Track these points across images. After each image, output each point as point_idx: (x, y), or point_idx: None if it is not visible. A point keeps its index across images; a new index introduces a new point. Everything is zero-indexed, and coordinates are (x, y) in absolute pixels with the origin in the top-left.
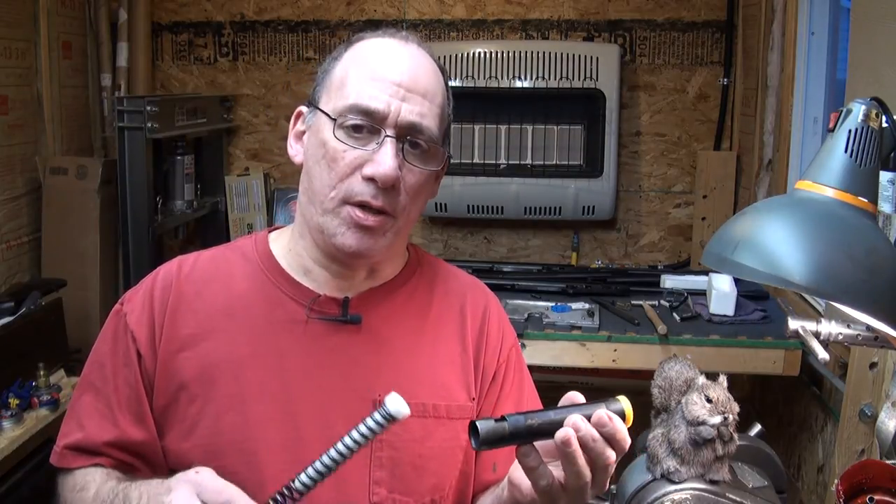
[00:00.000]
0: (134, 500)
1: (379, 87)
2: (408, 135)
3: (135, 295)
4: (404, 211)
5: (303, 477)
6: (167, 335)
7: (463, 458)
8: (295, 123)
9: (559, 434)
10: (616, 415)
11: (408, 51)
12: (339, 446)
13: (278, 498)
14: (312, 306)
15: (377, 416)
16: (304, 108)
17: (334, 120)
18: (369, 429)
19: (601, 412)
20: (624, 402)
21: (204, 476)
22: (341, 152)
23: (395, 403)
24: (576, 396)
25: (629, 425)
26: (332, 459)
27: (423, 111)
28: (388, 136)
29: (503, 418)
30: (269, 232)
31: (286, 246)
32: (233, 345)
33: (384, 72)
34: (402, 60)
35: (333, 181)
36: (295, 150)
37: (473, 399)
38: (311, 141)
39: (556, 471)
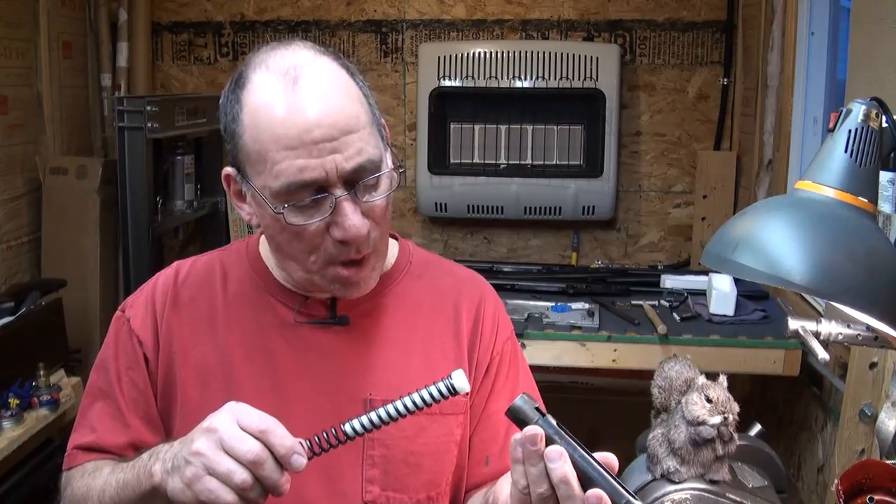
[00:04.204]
0: (164, 449)
1: (303, 153)
2: (356, 180)
3: (136, 301)
4: (381, 237)
5: (355, 423)
6: (166, 340)
7: (458, 454)
8: (229, 186)
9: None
10: (449, 388)
11: (307, 91)
12: (397, 405)
13: (323, 435)
14: (300, 309)
15: (441, 385)
16: (231, 172)
17: (280, 213)
18: (430, 395)
19: None
20: (456, 375)
21: (242, 406)
22: (301, 227)
23: (460, 379)
24: (612, 461)
25: None
26: (387, 414)
27: (358, 148)
28: (338, 196)
29: (544, 415)
30: (261, 235)
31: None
32: (225, 349)
33: (299, 132)
34: (307, 111)
35: (306, 249)
36: (246, 214)
37: (467, 394)
38: (260, 212)
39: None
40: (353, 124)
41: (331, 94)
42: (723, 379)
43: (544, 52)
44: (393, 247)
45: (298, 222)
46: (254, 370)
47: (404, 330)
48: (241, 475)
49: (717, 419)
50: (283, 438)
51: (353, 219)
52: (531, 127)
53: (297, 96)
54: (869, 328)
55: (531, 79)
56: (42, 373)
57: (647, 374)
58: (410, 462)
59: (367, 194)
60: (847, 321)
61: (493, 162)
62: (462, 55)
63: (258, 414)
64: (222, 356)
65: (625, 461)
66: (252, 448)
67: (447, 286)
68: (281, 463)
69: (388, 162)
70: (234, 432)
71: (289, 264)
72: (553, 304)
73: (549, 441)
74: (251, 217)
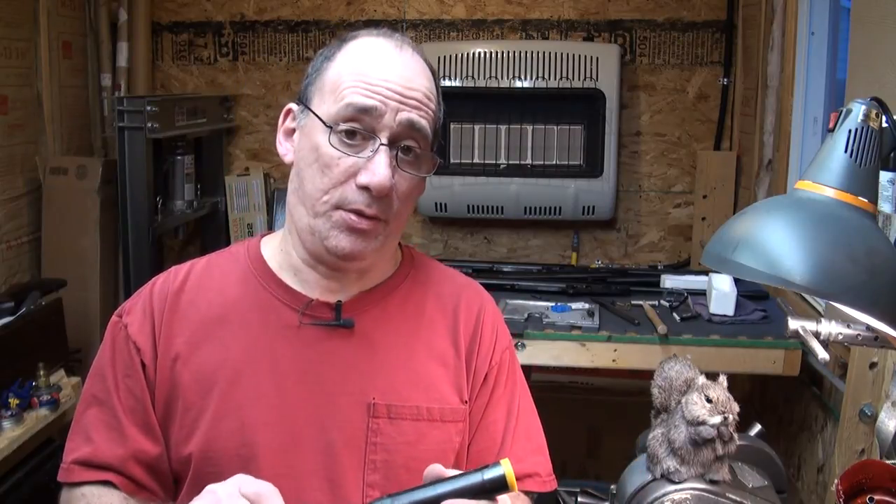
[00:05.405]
0: None
1: (373, 90)
2: (402, 140)
3: (133, 306)
4: (396, 216)
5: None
6: (165, 344)
7: (455, 461)
8: (284, 121)
9: None
10: (495, 483)
11: (402, 56)
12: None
13: None
14: (305, 311)
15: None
16: (293, 106)
17: (329, 128)
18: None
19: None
20: (505, 467)
21: (247, 476)
22: (335, 159)
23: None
24: (440, 471)
25: (513, 491)
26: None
27: (419, 114)
28: (382, 144)
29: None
30: (262, 237)
31: (277, 247)
32: (228, 351)
33: (379, 76)
34: (397, 65)
35: (326, 186)
36: (285, 149)
37: (466, 402)
38: (303, 143)
39: None
40: (424, 100)
41: (421, 72)
42: (723, 379)
43: (544, 52)
44: (396, 252)
45: (339, 147)
46: (256, 372)
47: (407, 334)
48: None
49: (717, 419)
50: None
51: (384, 170)
52: (531, 127)
53: (395, 54)
54: (869, 328)
55: (531, 79)
56: (42, 373)
57: (647, 374)
58: (411, 467)
59: (404, 164)
60: (847, 321)
61: (493, 162)
62: (462, 55)
63: (260, 482)
64: (224, 359)
65: (625, 461)
66: None
67: (448, 292)
68: None
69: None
70: (230, 495)
71: (299, 210)
72: (553, 304)
73: None
74: (287, 153)
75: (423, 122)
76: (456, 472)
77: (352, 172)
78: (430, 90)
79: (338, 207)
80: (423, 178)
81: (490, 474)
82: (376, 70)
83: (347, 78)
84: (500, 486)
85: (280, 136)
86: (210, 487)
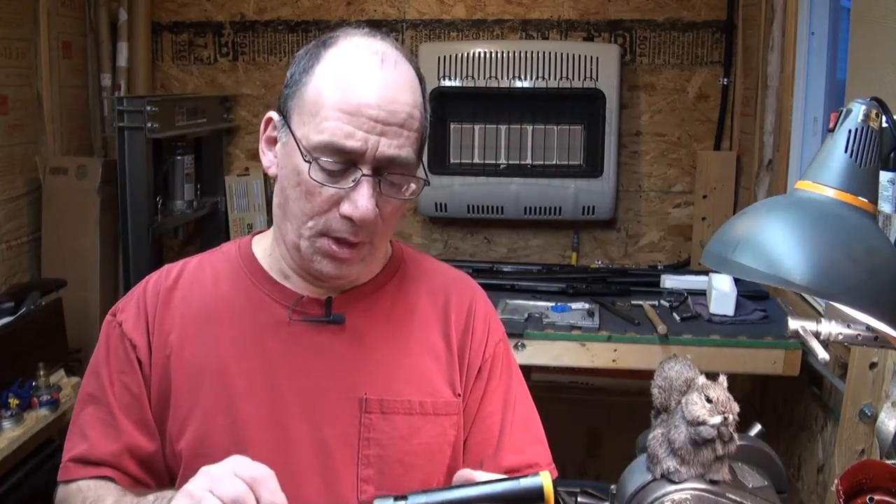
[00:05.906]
0: (170, 496)
1: (356, 122)
2: (385, 168)
3: (127, 304)
4: (381, 235)
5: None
6: (158, 340)
7: (451, 454)
8: (265, 129)
9: None
10: (532, 492)
11: (385, 69)
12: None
13: None
14: (295, 308)
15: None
16: (274, 116)
17: (309, 162)
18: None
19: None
20: (544, 479)
21: (243, 457)
22: (317, 187)
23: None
24: (470, 475)
25: None
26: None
27: (400, 143)
28: (364, 175)
29: (404, 497)
30: (253, 236)
31: (267, 249)
32: (219, 348)
33: (361, 103)
34: (379, 88)
35: (311, 213)
36: (268, 160)
37: (459, 395)
38: (285, 161)
39: None
40: (408, 122)
41: (403, 88)
42: (723, 379)
43: (544, 52)
44: (386, 248)
45: (320, 179)
46: (248, 369)
47: (398, 329)
48: None
49: (717, 419)
50: (273, 492)
51: (367, 201)
52: (531, 127)
53: (375, 73)
54: (869, 328)
55: (531, 79)
56: (42, 373)
57: (647, 374)
58: (405, 462)
59: (388, 189)
60: (847, 321)
61: (493, 162)
62: (462, 55)
63: (256, 464)
64: (216, 355)
65: (625, 461)
66: (236, 488)
67: (438, 286)
68: None
69: (419, 172)
70: (225, 475)
71: (285, 225)
72: (553, 304)
73: None
74: (271, 166)
75: (405, 153)
76: (492, 475)
77: (335, 201)
78: (414, 104)
79: (322, 234)
80: (408, 199)
81: (527, 483)
82: (357, 93)
83: (328, 101)
84: (537, 496)
85: (262, 146)
86: (205, 469)
